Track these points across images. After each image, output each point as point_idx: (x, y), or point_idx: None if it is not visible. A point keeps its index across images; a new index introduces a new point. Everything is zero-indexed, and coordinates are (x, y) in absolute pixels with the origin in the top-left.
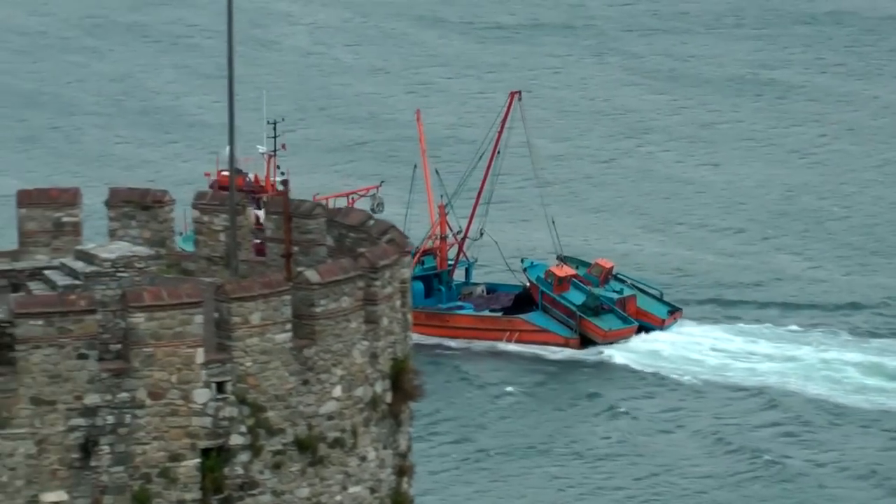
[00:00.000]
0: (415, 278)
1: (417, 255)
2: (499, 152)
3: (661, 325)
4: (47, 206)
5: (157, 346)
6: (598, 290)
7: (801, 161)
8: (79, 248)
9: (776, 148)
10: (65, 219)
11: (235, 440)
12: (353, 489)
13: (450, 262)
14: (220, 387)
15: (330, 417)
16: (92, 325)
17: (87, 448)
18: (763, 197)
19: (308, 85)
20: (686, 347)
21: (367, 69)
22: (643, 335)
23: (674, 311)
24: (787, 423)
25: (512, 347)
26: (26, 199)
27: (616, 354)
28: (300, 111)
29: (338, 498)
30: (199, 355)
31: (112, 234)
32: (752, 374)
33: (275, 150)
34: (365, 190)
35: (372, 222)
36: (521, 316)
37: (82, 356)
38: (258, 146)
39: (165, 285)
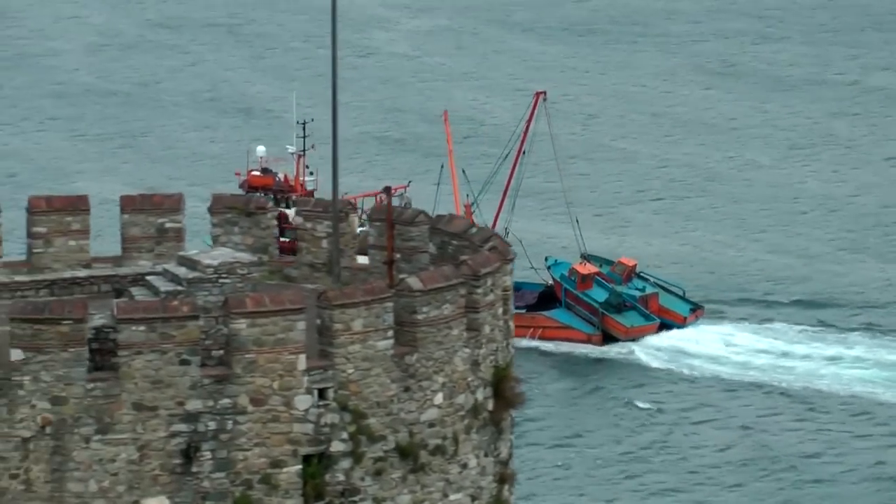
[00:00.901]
0: None
1: None
2: (524, 152)
3: (683, 323)
4: (150, 211)
5: (259, 353)
6: (620, 288)
7: (831, 157)
8: (181, 253)
9: (805, 143)
10: (168, 224)
11: (337, 447)
12: (453, 496)
13: None
14: (322, 393)
15: (431, 424)
16: (194, 331)
17: (189, 454)
18: (789, 194)
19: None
20: (706, 344)
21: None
22: (664, 332)
23: (696, 308)
24: (808, 420)
25: (535, 343)
26: (129, 204)
27: (637, 350)
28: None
29: None
30: (301, 362)
31: (214, 240)
32: (773, 371)
33: (304, 150)
34: (393, 189)
35: (474, 230)
36: (544, 313)
37: (184, 362)
38: (288, 146)
39: (268, 292)
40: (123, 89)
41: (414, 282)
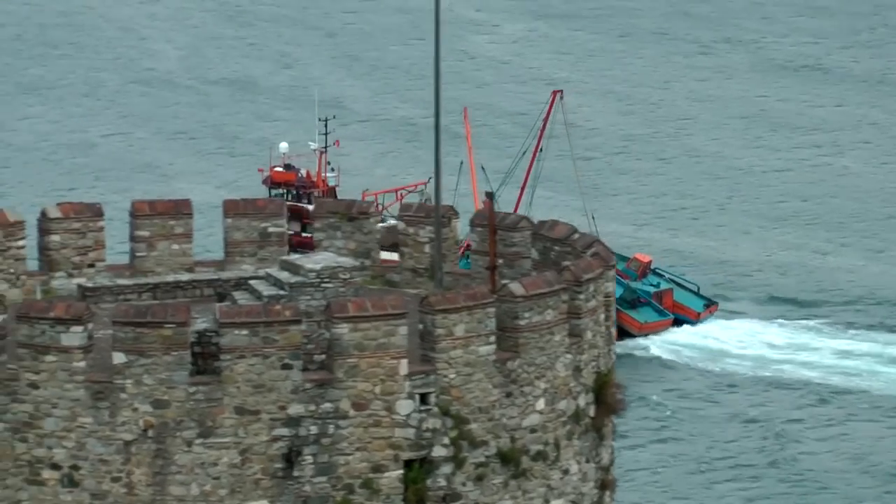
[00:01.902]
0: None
1: (462, 249)
2: (541, 149)
3: (697, 319)
4: (253, 216)
5: (361, 357)
6: (635, 284)
7: (852, 153)
8: (284, 258)
9: (816, 138)
10: (270, 229)
11: (438, 452)
12: (555, 502)
13: None
14: (424, 398)
15: (533, 430)
16: (296, 335)
17: (291, 458)
18: (805, 191)
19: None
20: (720, 340)
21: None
22: (678, 328)
23: (710, 304)
24: (824, 415)
25: None
26: (233, 209)
27: (651, 346)
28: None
29: None
30: (403, 367)
31: (317, 245)
32: (787, 367)
33: (326, 147)
34: (413, 186)
35: (577, 235)
36: None
37: (286, 366)
38: (310, 143)
39: (370, 296)
40: (216, 89)
41: (516, 287)
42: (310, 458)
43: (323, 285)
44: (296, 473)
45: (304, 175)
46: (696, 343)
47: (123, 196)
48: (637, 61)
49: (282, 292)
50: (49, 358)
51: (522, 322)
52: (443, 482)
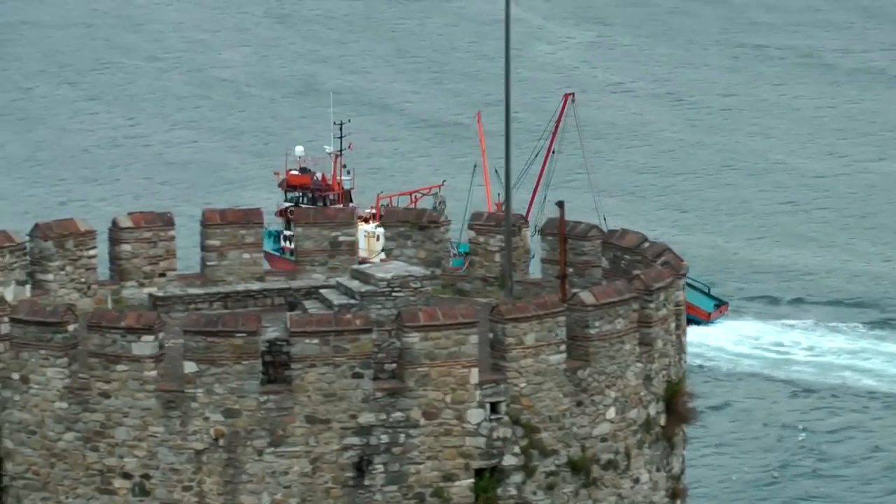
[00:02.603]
0: None
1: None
2: (553, 151)
3: (707, 319)
4: (324, 225)
5: (432, 366)
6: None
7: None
8: (355, 267)
9: (831, 136)
10: (341, 238)
11: (509, 461)
12: None
13: None
14: (494, 407)
15: (604, 439)
16: (367, 344)
17: (362, 467)
18: (814, 188)
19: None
20: (730, 340)
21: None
22: (689, 327)
23: (720, 304)
24: (836, 415)
25: None
26: (303, 218)
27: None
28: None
29: None
30: (474, 375)
31: (388, 254)
32: (797, 367)
33: (341, 150)
34: (427, 189)
35: (647, 244)
36: None
37: (357, 375)
38: (325, 146)
39: (440, 305)
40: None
41: (586, 296)
42: (380, 467)
43: (394, 294)
44: (366, 482)
45: (320, 178)
46: (707, 343)
47: (193, 204)
48: (695, 67)
49: (352, 301)
50: (120, 367)
51: (593, 331)
52: (513, 491)
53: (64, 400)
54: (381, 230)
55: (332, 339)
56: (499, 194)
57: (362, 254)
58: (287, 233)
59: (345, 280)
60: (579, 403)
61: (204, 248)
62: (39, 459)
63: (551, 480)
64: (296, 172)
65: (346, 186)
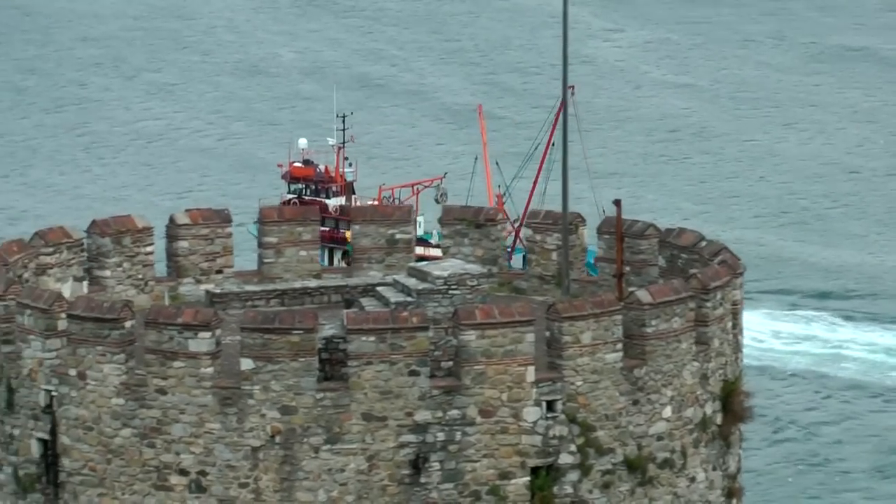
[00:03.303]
0: None
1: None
2: (553, 144)
3: None
4: (381, 222)
5: (489, 364)
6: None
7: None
8: (412, 264)
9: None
10: (398, 235)
11: (565, 459)
12: None
13: (507, 249)
14: (550, 405)
15: (660, 438)
16: (424, 342)
17: (418, 464)
18: (826, 181)
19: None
20: (780, 338)
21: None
22: None
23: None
24: (850, 407)
25: None
26: (360, 215)
27: None
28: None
29: None
30: (530, 374)
31: (444, 252)
32: (807, 359)
33: (343, 143)
34: (429, 181)
35: (704, 243)
36: None
37: (414, 373)
38: (328, 138)
39: (497, 303)
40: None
41: (643, 295)
42: (437, 465)
43: (450, 292)
44: (423, 480)
45: (323, 170)
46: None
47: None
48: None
49: (409, 299)
50: (177, 364)
51: (649, 330)
52: (569, 489)
53: (121, 396)
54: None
55: (389, 336)
56: (499, 186)
57: None
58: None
59: (402, 277)
60: (635, 402)
61: (261, 245)
62: (96, 455)
63: (607, 479)
64: (299, 165)
65: (349, 178)
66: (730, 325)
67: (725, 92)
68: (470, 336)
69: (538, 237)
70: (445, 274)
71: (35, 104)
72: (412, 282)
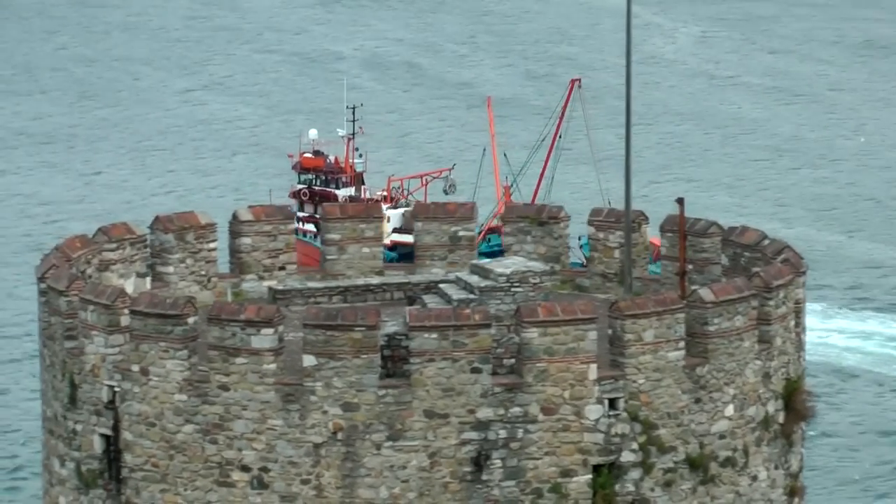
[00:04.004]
0: (480, 254)
1: (483, 233)
2: (560, 136)
3: None
4: (444, 220)
5: (551, 362)
6: (650, 267)
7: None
8: (474, 262)
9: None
10: (461, 233)
11: (627, 457)
12: None
13: None
14: (613, 403)
15: (722, 436)
16: (486, 339)
17: (480, 462)
18: (886, 179)
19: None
20: (841, 336)
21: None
22: None
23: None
24: (853, 399)
25: None
26: (423, 212)
27: None
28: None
29: None
30: (592, 371)
31: (507, 249)
32: (869, 359)
33: (353, 133)
34: (438, 172)
35: (767, 242)
36: None
37: (476, 370)
38: (338, 129)
39: (560, 301)
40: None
41: (706, 293)
42: (498, 462)
43: (513, 289)
44: (484, 477)
45: (333, 161)
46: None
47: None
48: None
49: (472, 296)
50: (239, 360)
51: (712, 328)
52: (631, 487)
53: (183, 392)
54: (391, 212)
55: (451, 333)
56: (506, 177)
57: None
58: (301, 214)
59: (464, 275)
60: (698, 400)
61: (324, 242)
62: (158, 451)
63: (669, 477)
64: (309, 155)
65: (359, 169)
66: (792, 323)
67: (782, 88)
68: (532, 333)
69: (601, 235)
70: (508, 271)
71: (94, 98)
72: (475, 279)
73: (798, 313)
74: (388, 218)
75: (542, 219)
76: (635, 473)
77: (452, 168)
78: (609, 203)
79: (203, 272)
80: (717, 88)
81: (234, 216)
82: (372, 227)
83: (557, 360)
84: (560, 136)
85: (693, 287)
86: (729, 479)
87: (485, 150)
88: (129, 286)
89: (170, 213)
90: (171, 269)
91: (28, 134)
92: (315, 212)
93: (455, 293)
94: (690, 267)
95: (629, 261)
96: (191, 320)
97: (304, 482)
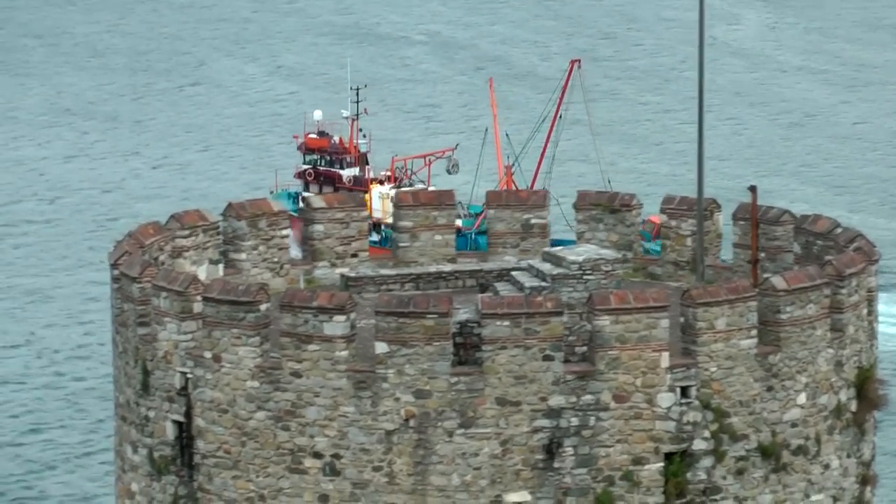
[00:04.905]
0: (480, 233)
1: (484, 212)
2: (560, 116)
3: None
4: (516, 207)
5: (623, 350)
6: (649, 245)
7: None
8: (546, 249)
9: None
10: (533, 220)
11: (699, 445)
12: (815, 497)
13: None
14: (685, 391)
15: (794, 424)
16: (558, 327)
17: (551, 449)
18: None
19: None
20: None
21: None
22: None
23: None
24: None
25: None
26: (495, 200)
27: None
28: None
29: None
30: (664, 359)
31: (579, 237)
32: None
33: (357, 115)
34: (441, 152)
35: (839, 230)
36: None
37: (548, 358)
38: (342, 110)
39: (632, 289)
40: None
41: (778, 281)
42: (570, 450)
43: (585, 277)
44: (556, 465)
45: (337, 142)
46: None
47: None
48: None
49: (544, 284)
50: (312, 347)
51: (784, 316)
52: (703, 475)
53: (255, 379)
54: (395, 192)
55: (523, 321)
56: (508, 157)
57: (377, 215)
58: (306, 194)
59: (536, 262)
60: (770, 388)
61: (396, 229)
62: (230, 438)
63: (741, 465)
64: (314, 136)
65: (363, 150)
66: (865, 311)
67: (851, 76)
68: (604, 321)
69: (673, 223)
70: (580, 259)
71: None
72: (547, 266)
73: (870, 301)
74: (392, 197)
75: (615, 206)
76: (707, 461)
77: (455, 148)
78: (609, 183)
79: (275, 259)
80: (784, 75)
81: (307, 203)
82: (444, 215)
83: (629, 347)
84: (560, 117)
85: (765, 275)
86: (801, 468)
87: (487, 130)
88: (202, 273)
89: (242, 200)
90: (243, 255)
91: (96, 117)
92: (320, 191)
93: (527, 281)
94: (762, 255)
95: (701, 249)
96: (263, 307)
97: (376, 469)
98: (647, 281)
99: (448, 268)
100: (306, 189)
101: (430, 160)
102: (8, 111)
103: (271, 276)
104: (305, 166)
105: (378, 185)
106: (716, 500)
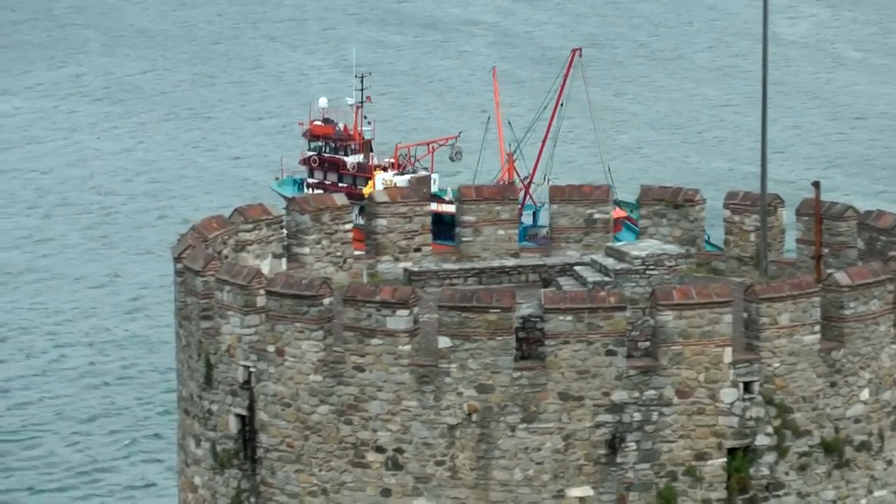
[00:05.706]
0: None
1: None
2: (561, 104)
3: None
4: (579, 202)
5: (686, 345)
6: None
7: None
8: (609, 244)
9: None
10: (596, 215)
11: (761, 441)
12: (878, 493)
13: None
14: (748, 387)
15: (857, 420)
16: (621, 322)
17: (614, 444)
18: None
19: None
20: None
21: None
22: None
23: (721, 252)
24: None
25: None
26: (558, 195)
27: None
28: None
29: (862, 502)
30: (728, 355)
31: (643, 232)
32: None
33: (361, 102)
34: (444, 140)
35: None
36: None
37: (611, 353)
38: (347, 98)
39: (695, 284)
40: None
41: (842, 277)
42: (633, 445)
43: (648, 272)
44: (619, 460)
45: (342, 129)
46: None
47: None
48: None
49: (607, 279)
50: (375, 341)
51: (848, 312)
52: (766, 471)
53: (318, 373)
54: (398, 178)
55: (586, 316)
56: (510, 144)
57: None
58: (310, 180)
59: (599, 257)
60: (833, 384)
61: (459, 223)
62: (293, 432)
63: (804, 461)
64: (319, 123)
65: (367, 137)
66: None
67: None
68: (667, 316)
69: (737, 218)
70: (643, 254)
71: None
72: (610, 262)
73: None
74: (396, 185)
75: (678, 202)
76: (770, 457)
77: (459, 136)
78: (609, 170)
79: (339, 253)
80: (844, 69)
81: (370, 197)
82: (507, 209)
83: (692, 342)
84: (562, 105)
85: (829, 271)
86: (864, 464)
87: (489, 118)
88: (265, 267)
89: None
90: (306, 249)
91: (157, 108)
92: (324, 178)
93: (590, 275)
94: (826, 251)
95: (765, 244)
96: (326, 301)
97: (439, 463)
98: (711, 276)
99: (511, 262)
100: (311, 175)
101: (433, 147)
102: (64, 98)
103: (334, 270)
104: (310, 153)
105: (382, 171)
106: (778, 496)
